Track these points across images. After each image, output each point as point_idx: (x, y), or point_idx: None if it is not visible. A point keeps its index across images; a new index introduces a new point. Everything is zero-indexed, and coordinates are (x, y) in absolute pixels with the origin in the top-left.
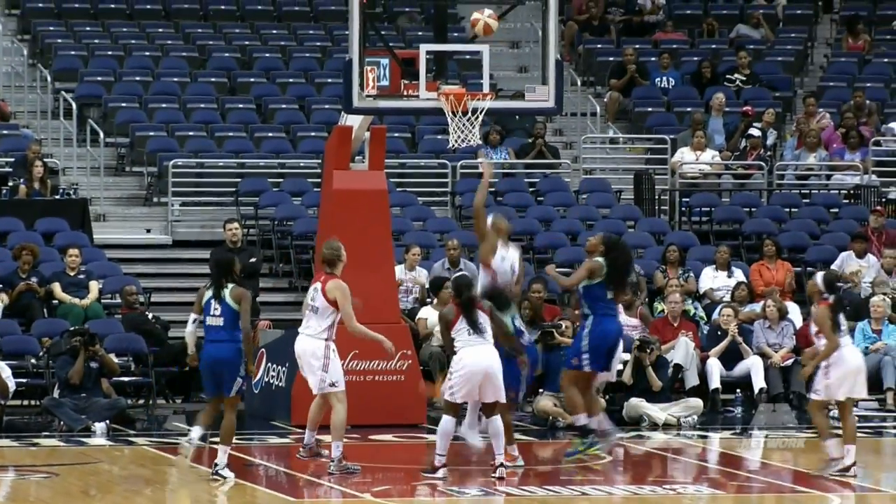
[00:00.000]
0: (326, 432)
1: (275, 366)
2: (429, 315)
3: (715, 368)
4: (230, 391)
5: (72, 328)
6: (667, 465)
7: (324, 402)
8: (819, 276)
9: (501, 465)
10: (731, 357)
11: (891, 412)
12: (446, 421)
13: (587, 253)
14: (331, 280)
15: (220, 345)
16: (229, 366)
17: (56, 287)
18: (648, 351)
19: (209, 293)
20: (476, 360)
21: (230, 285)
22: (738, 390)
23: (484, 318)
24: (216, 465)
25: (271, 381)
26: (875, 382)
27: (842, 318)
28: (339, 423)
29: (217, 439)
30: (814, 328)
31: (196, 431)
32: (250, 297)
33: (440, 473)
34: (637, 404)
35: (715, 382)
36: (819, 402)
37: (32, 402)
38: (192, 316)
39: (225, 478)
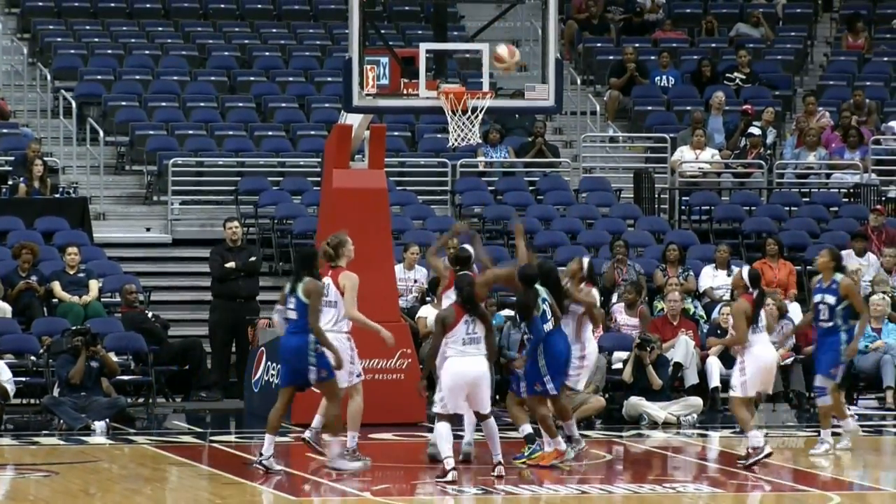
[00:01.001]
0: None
1: (274, 364)
2: (428, 314)
3: (715, 367)
4: (309, 381)
5: (73, 327)
6: (666, 463)
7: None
8: (745, 270)
9: (499, 463)
10: (730, 356)
11: (890, 411)
12: (442, 426)
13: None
14: (341, 272)
15: (290, 336)
16: (295, 356)
17: (56, 286)
18: (649, 350)
19: (288, 286)
20: (462, 370)
21: (306, 279)
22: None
23: (479, 325)
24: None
25: (271, 380)
26: (875, 381)
27: (762, 314)
28: (358, 413)
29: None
30: (730, 320)
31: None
32: (320, 292)
33: (451, 476)
34: (637, 403)
35: (715, 381)
36: (739, 398)
37: (32, 401)
38: (277, 307)
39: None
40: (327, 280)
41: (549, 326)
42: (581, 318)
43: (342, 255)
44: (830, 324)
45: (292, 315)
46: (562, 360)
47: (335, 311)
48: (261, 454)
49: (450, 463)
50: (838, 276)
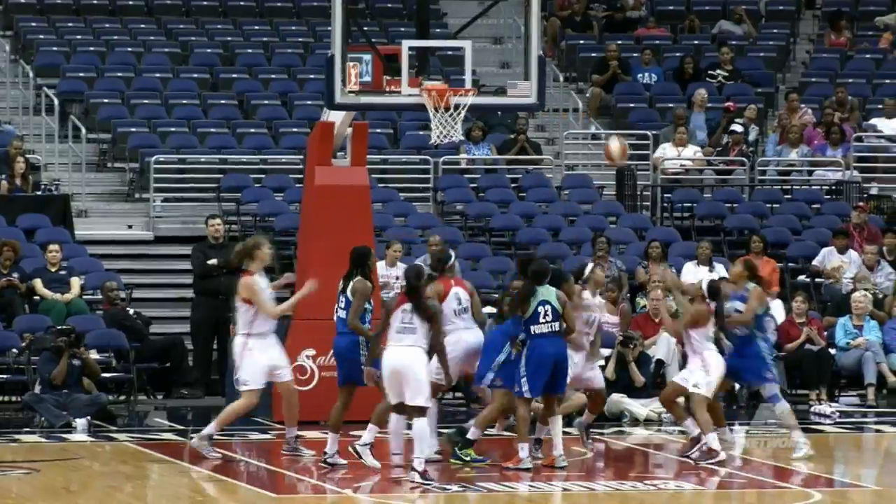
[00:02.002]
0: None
1: None
2: None
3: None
4: (362, 379)
5: (58, 327)
6: (648, 461)
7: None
8: (704, 282)
9: (413, 469)
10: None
11: (871, 408)
12: (393, 420)
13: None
14: (243, 277)
15: (340, 336)
16: (346, 355)
17: (38, 283)
18: (632, 347)
19: (341, 285)
20: (389, 360)
21: (358, 277)
22: None
23: (417, 317)
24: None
25: None
26: (856, 378)
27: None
28: (231, 413)
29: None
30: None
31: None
32: (366, 291)
33: (426, 476)
34: (618, 400)
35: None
36: (703, 397)
37: (13, 399)
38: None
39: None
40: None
41: (541, 330)
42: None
43: (255, 257)
44: (746, 332)
45: (342, 314)
46: (545, 367)
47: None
48: (325, 452)
49: (419, 464)
50: (750, 286)
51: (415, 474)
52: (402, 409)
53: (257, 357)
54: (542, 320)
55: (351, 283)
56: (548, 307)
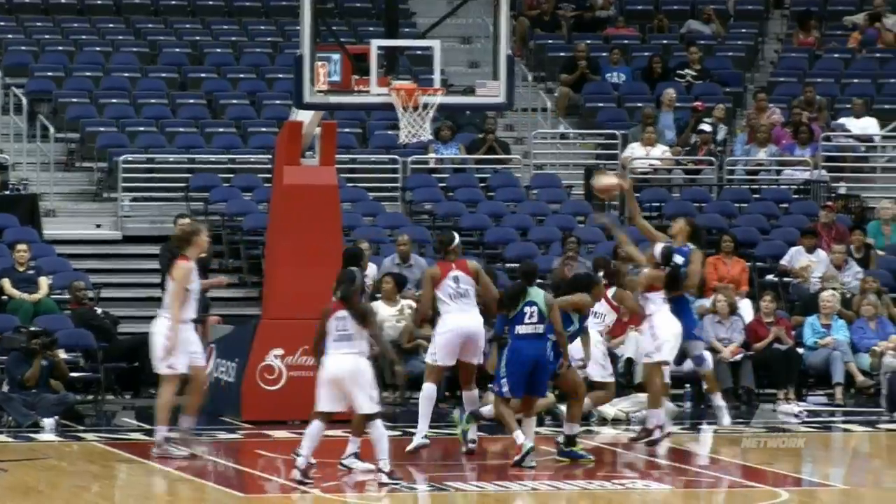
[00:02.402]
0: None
1: (224, 361)
2: (378, 310)
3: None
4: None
5: (31, 329)
6: (616, 460)
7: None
8: (658, 247)
9: (380, 470)
10: (680, 352)
11: (839, 407)
12: (314, 425)
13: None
14: (179, 261)
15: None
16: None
17: (6, 283)
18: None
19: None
20: (328, 368)
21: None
22: (688, 385)
23: (351, 323)
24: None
25: (220, 377)
26: (824, 377)
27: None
28: (166, 406)
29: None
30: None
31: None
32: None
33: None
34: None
35: (665, 377)
36: (657, 363)
37: None
38: None
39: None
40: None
41: (525, 330)
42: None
43: (192, 243)
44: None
45: None
46: (524, 368)
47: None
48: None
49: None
50: (691, 246)
51: (382, 475)
52: (326, 416)
53: (183, 341)
54: (527, 321)
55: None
56: (534, 308)
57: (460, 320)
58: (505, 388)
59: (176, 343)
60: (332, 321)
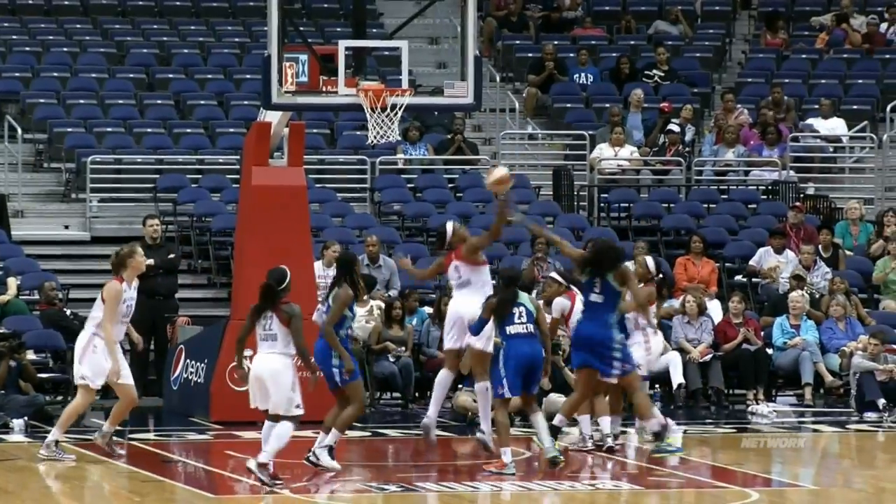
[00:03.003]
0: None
1: (193, 362)
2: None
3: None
4: (337, 383)
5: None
6: (585, 461)
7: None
8: (650, 259)
9: (259, 463)
10: None
11: (809, 407)
12: (281, 427)
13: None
14: (113, 281)
15: (319, 339)
16: (320, 359)
17: None
18: (560, 353)
19: (326, 291)
20: (255, 367)
21: (344, 285)
22: (657, 385)
23: (276, 323)
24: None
25: (190, 378)
26: (793, 378)
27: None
28: (73, 413)
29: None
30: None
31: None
32: (347, 300)
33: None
34: (555, 400)
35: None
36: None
37: None
38: (319, 307)
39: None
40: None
41: (517, 330)
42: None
43: (128, 265)
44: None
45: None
46: (522, 367)
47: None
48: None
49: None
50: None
51: (252, 462)
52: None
53: (100, 358)
54: (517, 321)
55: (334, 290)
56: (522, 308)
57: (461, 308)
58: (504, 389)
59: (107, 360)
60: (259, 320)
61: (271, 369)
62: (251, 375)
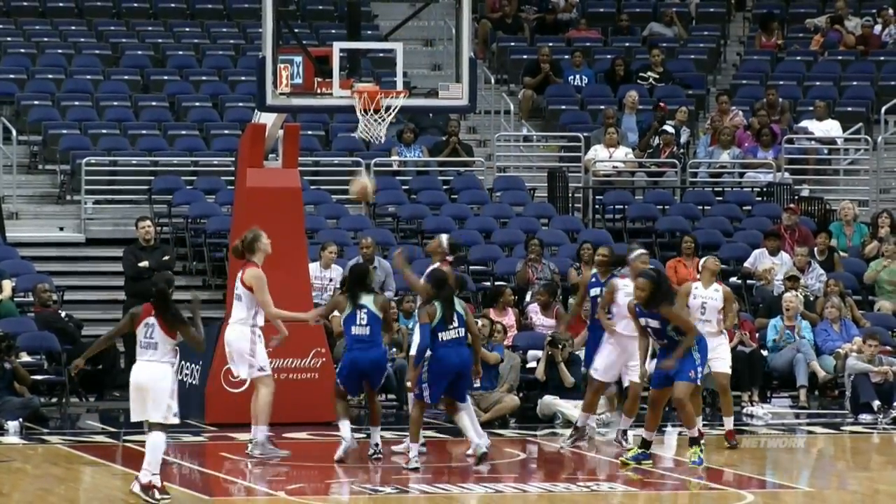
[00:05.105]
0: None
1: (188, 364)
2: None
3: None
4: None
5: None
6: (581, 462)
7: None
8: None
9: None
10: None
11: (804, 409)
12: (154, 437)
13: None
14: (248, 268)
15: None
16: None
17: None
18: (560, 348)
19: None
20: (134, 376)
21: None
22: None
23: (158, 331)
24: None
25: (185, 379)
26: (788, 380)
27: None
28: (264, 406)
29: None
30: None
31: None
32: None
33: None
34: (551, 402)
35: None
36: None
37: None
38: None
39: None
40: (238, 274)
41: (449, 336)
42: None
43: (257, 249)
44: None
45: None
46: (447, 375)
47: (241, 306)
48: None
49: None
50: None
51: (136, 484)
52: (155, 425)
53: (261, 345)
54: (450, 326)
55: (372, 297)
56: (455, 313)
57: None
58: (426, 394)
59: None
60: (140, 326)
61: (152, 378)
62: (132, 385)
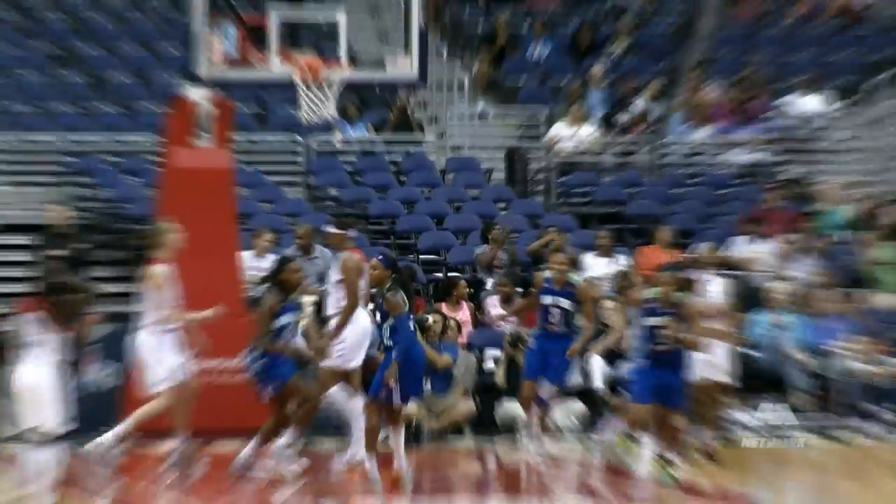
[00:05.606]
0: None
1: (110, 362)
2: None
3: (596, 366)
4: None
5: None
6: (545, 475)
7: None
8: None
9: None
10: (615, 353)
11: (792, 412)
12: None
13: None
14: (153, 264)
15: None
16: None
17: None
18: (521, 346)
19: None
20: (18, 379)
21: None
22: (626, 391)
23: (44, 329)
24: None
25: (104, 382)
26: (776, 381)
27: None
28: (143, 413)
29: None
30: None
31: None
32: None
33: None
34: (510, 407)
35: (597, 382)
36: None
37: None
38: None
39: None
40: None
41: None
42: None
43: (161, 244)
44: (565, 329)
45: None
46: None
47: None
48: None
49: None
50: (575, 279)
51: None
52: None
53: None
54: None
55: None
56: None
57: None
58: (396, 396)
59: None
60: (21, 324)
61: (35, 380)
62: (15, 389)
